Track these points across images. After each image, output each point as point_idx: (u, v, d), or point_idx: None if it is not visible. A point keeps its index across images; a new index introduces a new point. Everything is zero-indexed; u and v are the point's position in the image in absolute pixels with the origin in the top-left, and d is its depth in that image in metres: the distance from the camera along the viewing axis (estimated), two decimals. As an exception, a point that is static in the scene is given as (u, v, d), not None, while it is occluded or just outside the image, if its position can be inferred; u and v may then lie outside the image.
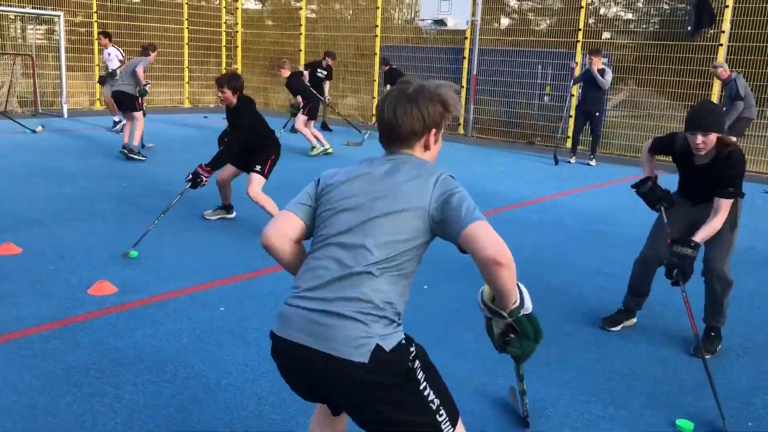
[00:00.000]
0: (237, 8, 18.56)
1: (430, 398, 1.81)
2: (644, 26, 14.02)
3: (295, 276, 1.98)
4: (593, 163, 10.98)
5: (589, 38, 12.84)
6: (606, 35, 13.59)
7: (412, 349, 1.84)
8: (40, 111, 14.05)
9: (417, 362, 1.83)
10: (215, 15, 18.66)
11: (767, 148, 11.17)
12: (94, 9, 15.73)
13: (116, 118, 12.10)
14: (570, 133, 12.98)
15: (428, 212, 1.84)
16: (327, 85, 13.34)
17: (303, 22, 16.98)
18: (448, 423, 1.83)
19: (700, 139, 3.50)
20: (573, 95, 13.03)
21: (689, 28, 11.18)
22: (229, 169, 6.13)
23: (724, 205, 3.59)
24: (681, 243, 3.54)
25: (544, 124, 13.68)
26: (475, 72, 13.83)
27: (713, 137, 3.51)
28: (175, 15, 17.54)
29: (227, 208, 6.47)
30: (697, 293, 3.92)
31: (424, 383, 1.82)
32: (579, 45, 12.82)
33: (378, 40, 15.55)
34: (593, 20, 13.35)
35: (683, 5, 12.41)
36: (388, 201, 1.86)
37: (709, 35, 11.48)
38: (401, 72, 12.88)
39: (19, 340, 3.57)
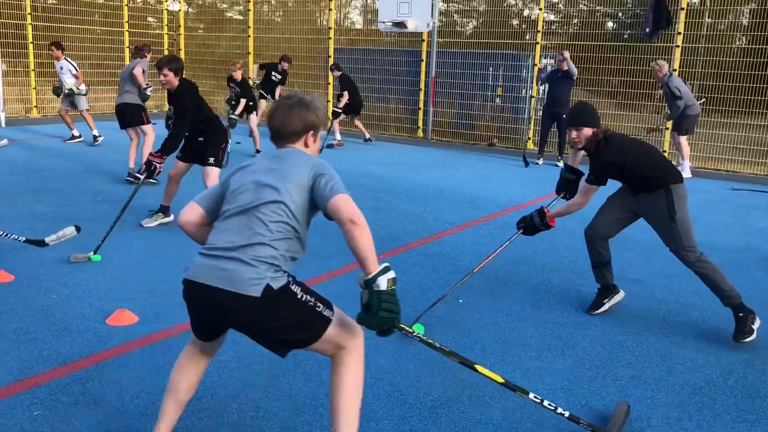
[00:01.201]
0: (179, 10, 17.89)
1: (305, 299, 2.35)
2: (598, 29, 14.33)
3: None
4: (561, 164, 11.08)
5: (548, 40, 12.97)
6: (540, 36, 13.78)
7: (290, 279, 2.35)
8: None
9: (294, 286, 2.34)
10: (156, 17, 17.95)
11: (727, 146, 11.55)
12: (28, 10, 14.79)
13: (75, 132, 11.38)
14: (531, 134, 13.16)
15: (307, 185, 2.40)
16: (279, 89, 12.97)
17: (251, 24, 16.51)
18: (326, 309, 2.39)
19: (574, 133, 4.05)
20: (533, 96, 13.18)
21: (647, 29, 11.45)
22: (180, 164, 5.98)
23: (583, 187, 4.19)
24: (539, 212, 4.33)
25: (501, 126, 13.76)
26: (433, 75, 13.76)
27: (586, 131, 4.00)
28: (116, 18, 16.74)
29: (165, 210, 6.12)
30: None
31: (300, 293, 2.34)
32: (538, 47, 12.94)
33: (331, 42, 15.27)
34: (553, 18, 13.48)
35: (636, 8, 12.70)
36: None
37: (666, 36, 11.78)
38: (350, 79, 12.64)
39: (51, 385, 3.18)
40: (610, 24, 14.71)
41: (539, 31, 12.91)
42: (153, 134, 8.30)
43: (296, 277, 2.42)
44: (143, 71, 8.45)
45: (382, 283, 2.19)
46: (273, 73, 12.89)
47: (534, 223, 4.33)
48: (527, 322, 4.20)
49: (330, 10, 15.30)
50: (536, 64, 13.01)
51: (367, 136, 12.67)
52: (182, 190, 6.13)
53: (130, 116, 8.30)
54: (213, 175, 5.81)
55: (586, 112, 4.07)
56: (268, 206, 2.33)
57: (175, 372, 2.62)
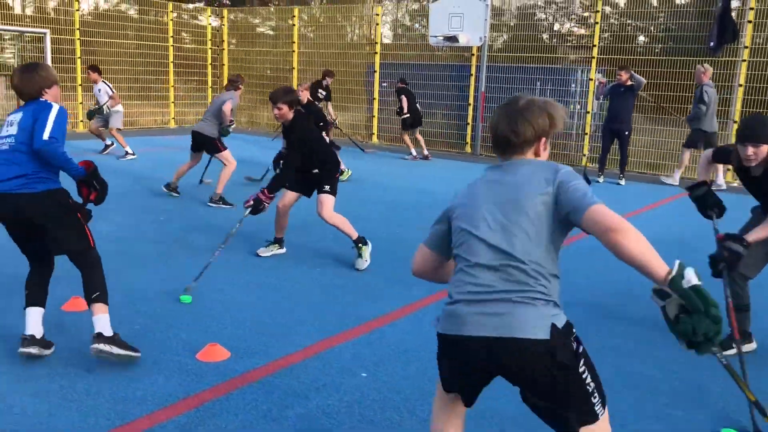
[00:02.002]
0: (224, 25, 17.87)
1: (587, 379, 1.97)
2: (661, 43, 13.95)
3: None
4: (623, 182, 10.69)
5: (606, 54, 12.60)
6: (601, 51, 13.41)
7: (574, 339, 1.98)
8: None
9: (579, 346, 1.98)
10: (200, 32, 17.94)
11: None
12: (77, 25, 14.85)
13: (108, 141, 11.58)
14: (586, 150, 12.79)
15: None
16: (329, 106, 12.78)
17: (296, 39, 16.39)
18: (599, 403, 1.99)
19: (750, 150, 3.51)
20: (588, 112, 12.82)
21: (711, 43, 11.04)
22: (290, 195, 5.68)
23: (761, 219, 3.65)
24: (733, 239, 3.59)
25: (554, 142, 13.38)
26: (483, 89, 13.47)
27: (765, 149, 3.49)
28: (160, 32, 16.76)
29: (279, 242, 5.92)
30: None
31: (583, 366, 1.96)
32: (594, 61, 12.59)
33: (378, 57, 15.07)
34: (608, 35, 13.12)
35: (697, 21, 12.29)
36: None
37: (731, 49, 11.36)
38: (410, 90, 12.40)
39: (156, 430, 2.92)
40: (641, 38, 14.34)
41: (595, 45, 12.56)
42: (234, 163, 7.98)
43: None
44: (232, 109, 8.06)
45: (691, 276, 1.77)
46: (318, 90, 12.72)
47: (738, 252, 3.56)
48: (649, 364, 3.85)
49: (377, 24, 15.12)
50: (591, 78, 12.65)
51: (414, 152, 12.34)
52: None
53: (206, 146, 8.01)
54: (328, 203, 5.45)
55: (767, 125, 3.54)
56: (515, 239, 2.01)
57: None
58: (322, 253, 5.90)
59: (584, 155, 12.89)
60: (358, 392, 3.35)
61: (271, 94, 5.39)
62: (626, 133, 10.50)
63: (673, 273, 1.78)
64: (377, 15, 15.44)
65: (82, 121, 15.14)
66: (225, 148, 8.04)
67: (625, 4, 13.92)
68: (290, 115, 5.38)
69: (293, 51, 16.43)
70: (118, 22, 16.09)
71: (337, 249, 5.98)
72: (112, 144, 11.64)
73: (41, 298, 3.67)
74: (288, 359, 3.72)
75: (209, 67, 17.80)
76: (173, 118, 17.05)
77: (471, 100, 13.92)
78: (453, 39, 12.51)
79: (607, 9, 14.86)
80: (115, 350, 3.45)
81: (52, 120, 3.41)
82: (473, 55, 13.84)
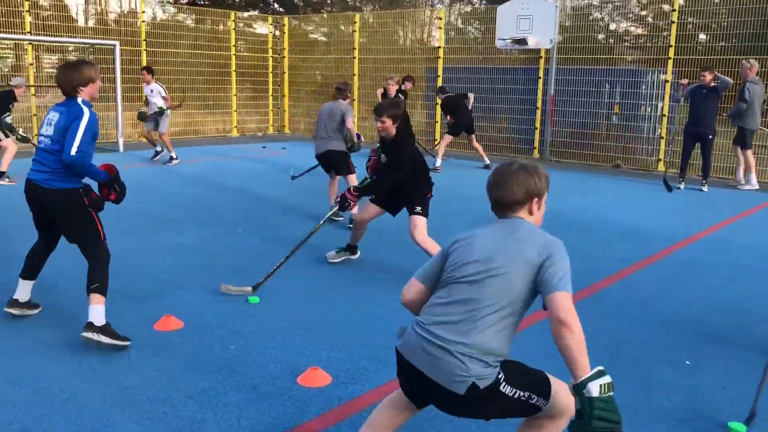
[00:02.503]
0: (284, 33, 17.91)
1: (518, 396, 2.27)
2: (724, 41, 13.31)
3: None
4: (706, 188, 10.16)
5: (682, 55, 12.05)
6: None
7: (500, 375, 2.25)
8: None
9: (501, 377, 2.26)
10: (257, 40, 18.03)
11: None
12: (143, 36, 15.07)
13: (158, 148, 11.89)
14: (662, 155, 12.27)
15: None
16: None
17: (356, 45, 16.29)
18: (540, 399, 2.30)
19: None
20: (664, 115, 12.30)
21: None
22: (373, 209, 5.49)
23: None
24: None
25: (622, 146, 12.93)
26: (552, 92, 13.08)
27: None
28: (218, 41, 16.90)
29: (352, 249, 5.79)
30: None
31: (511, 389, 2.26)
32: (670, 62, 12.06)
33: (440, 62, 14.84)
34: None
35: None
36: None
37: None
38: (459, 94, 12.04)
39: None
40: (702, 36, 13.69)
41: (671, 45, 12.03)
42: (354, 179, 7.27)
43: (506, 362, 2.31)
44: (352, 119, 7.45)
45: (593, 388, 2.03)
46: (398, 95, 12.55)
47: None
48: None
49: (440, 29, 14.89)
50: (667, 80, 12.13)
51: (487, 161, 11.95)
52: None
53: (338, 164, 7.28)
54: (421, 225, 5.23)
55: None
56: (491, 284, 2.28)
57: (377, 410, 2.68)
58: (408, 271, 5.67)
59: (660, 159, 12.36)
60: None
61: (377, 106, 5.19)
62: (710, 137, 9.98)
63: (579, 380, 2.05)
64: (439, 19, 15.20)
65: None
66: (354, 171, 7.36)
67: (684, 1, 13.32)
68: (393, 130, 5.15)
69: (353, 57, 16.32)
70: (177, 32, 16.29)
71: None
72: (163, 150, 11.86)
73: (35, 273, 4.25)
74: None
75: (270, 75, 17.86)
76: (235, 127, 17.15)
77: (539, 104, 13.53)
78: (522, 42, 12.17)
79: (666, 7, 14.33)
80: (103, 339, 3.75)
81: (81, 132, 3.79)
82: (540, 57, 13.47)
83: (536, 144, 13.74)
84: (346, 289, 5.04)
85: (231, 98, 16.88)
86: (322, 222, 5.45)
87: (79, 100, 3.91)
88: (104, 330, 3.77)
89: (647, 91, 12.85)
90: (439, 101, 13.04)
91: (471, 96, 11.87)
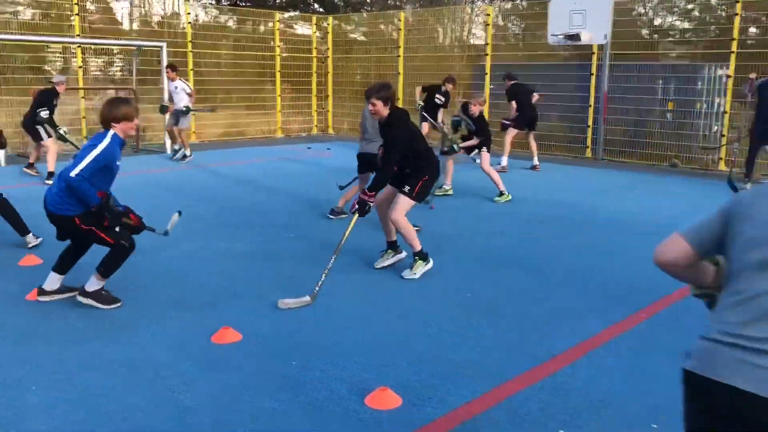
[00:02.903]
0: (329, 33, 17.77)
1: None
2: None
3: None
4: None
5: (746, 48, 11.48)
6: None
7: None
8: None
9: None
10: (299, 40, 17.92)
11: None
12: (189, 38, 15.08)
13: (176, 146, 12.03)
14: (723, 154, 11.74)
15: None
16: (441, 112, 12.29)
17: (401, 44, 16.04)
18: None
19: None
20: (726, 112, 11.76)
21: None
22: (386, 194, 5.36)
23: None
24: None
25: (678, 144, 12.40)
26: (606, 89, 12.62)
27: None
28: (261, 42, 16.84)
29: (393, 246, 5.54)
30: None
31: None
32: (733, 56, 11.52)
33: (489, 59, 14.49)
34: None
35: None
36: None
37: None
38: (525, 86, 11.59)
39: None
40: (752, 30, 13.01)
41: (734, 39, 11.48)
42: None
43: None
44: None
45: None
46: (437, 95, 12.26)
47: None
48: None
49: (487, 25, 14.54)
50: (729, 75, 11.59)
51: (536, 162, 11.53)
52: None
53: (374, 166, 6.91)
54: (402, 205, 5.11)
55: None
56: None
57: None
58: (467, 273, 5.41)
59: (721, 158, 11.83)
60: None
61: (367, 90, 5.10)
62: (780, 134, 9.46)
63: None
64: (488, 15, 14.86)
65: (194, 132, 15.37)
66: None
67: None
68: (385, 111, 5.05)
69: (398, 56, 16.08)
70: (220, 32, 16.25)
71: (483, 271, 5.49)
72: (180, 149, 11.84)
73: (66, 268, 4.58)
74: (468, 408, 3.25)
75: (314, 75, 17.74)
76: (280, 128, 17.07)
77: (591, 101, 13.09)
78: (575, 37, 11.76)
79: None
80: (91, 303, 4.42)
81: (91, 158, 4.13)
82: (593, 53, 13.02)
83: (588, 143, 13.30)
84: (406, 299, 4.80)
85: (275, 99, 16.80)
86: (348, 230, 5.11)
87: (110, 132, 4.26)
88: (92, 294, 4.40)
89: (704, 87, 12.32)
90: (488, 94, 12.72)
91: (535, 95, 11.47)
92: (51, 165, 9.12)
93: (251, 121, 16.80)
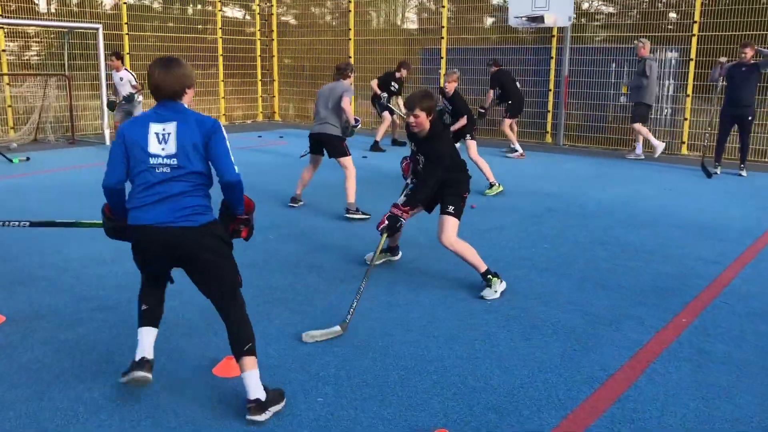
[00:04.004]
0: (272, 14, 16.91)
1: None
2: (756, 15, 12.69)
3: None
4: (745, 173, 9.58)
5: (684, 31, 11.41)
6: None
7: None
8: (76, 139, 12.27)
9: None
10: (247, 24, 17.00)
11: None
12: (124, 20, 13.98)
13: None
14: (685, 137, 11.70)
15: None
16: (399, 99, 11.79)
17: (351, 26, 15.40)
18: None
19: None
20: (688, 95, 11.70)
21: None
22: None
23: None
24: None
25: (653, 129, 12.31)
26: (566, 73, 12.38)
27: None
28: (203, 24, 15.88)
29: (394, 251, 5.27)
30: None
31: None
32: (694, 39, 11.44)
33: (444, 42, 14.04)
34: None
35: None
36: None
37: None
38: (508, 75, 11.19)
39: None
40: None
41: (696, 22, 11.40)
42: (354, 168, 6.88)
43: None
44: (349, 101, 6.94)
45: None
46: (392, 83, 11.76)
47: None
48: None
49: (443, 6, 14.05)
50: (692, 59, 11.52)
51: (517, 147, 11.12)
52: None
53: (331, 148, 6.88)
54: (450, 227, 4.58)
55: None
56: None
57: None
58: (471, 276, 4.93)
59: (683, 142, 11.79)
60: None
61: (407, 98, 4.52)
62: (749, 118, 9.40)
63: None
64: (442, -4, 14.38)
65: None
66: (349, 153, 6.90)
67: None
68: (428, 124, 4.50)
69: (349, 39, 15.43)
70: (148, 14, 15.12)
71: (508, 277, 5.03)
72: None
73: (160, 315, 3.23)
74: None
75: (258, 60, 16.88)
76: (224, 115, 16.17)
77: (551, 86, 12.84)
78: (538, 19, 11.43)
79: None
80: (273, 409, 2.96)
81: (228, 144, 2.96)
82: (553, 36, 12.75)
83: (548, 128, 13.06)
84: (437, 315, 4.28)
85: (218, 84, 15.88)
86: (377, 252, 4.62)
87: (186, 106, 3.02)
88: (271, 401, 2.96)
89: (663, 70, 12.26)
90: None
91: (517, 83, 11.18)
92: None
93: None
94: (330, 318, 4.05)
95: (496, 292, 4.50)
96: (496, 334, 3.88)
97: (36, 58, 14.51)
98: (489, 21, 14.54)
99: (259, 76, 16.93)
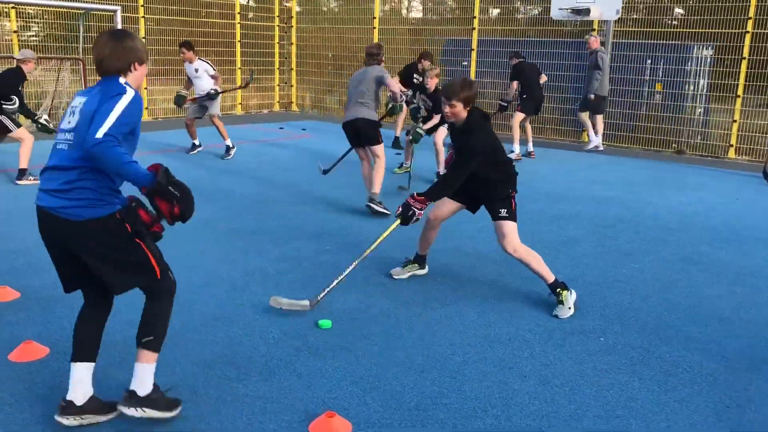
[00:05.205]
0: (291, 3, 16.24)
1: None
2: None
3: None
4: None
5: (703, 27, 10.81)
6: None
7: None
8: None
9: None
10: (267, 8, 16.31)
11: None
12: (141, 2, 13.29)
13: (196, 142, 9.74)
14: (733, 140, 11.13)
15: None
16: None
17: (377, 14, 14.74)
18: None
19: None
20: (739, 96, 11.11)
21: None
22: (450, 205, 4.51)
23: None
24: None
25: (687, 129, 11.76)
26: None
27: None
28: (226, 9, 15.19)
29: (421, 261, 4.78)
30: None
31: None
32: (748, 36, 10.84)
33: (475, 33, 13.40)
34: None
35: None
36: None
37: None
38: (529, 68, 10.58)
39: None
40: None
41: (750, 18, 10.79)
42: (384, 158, 6.54)
43: None
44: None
45: None
46: (414, 75, 11.11)
47: None
48: None
49: (476, -5, 13.38)
50: (745, 57, 10.92)
51: (515, 147, 10.50)
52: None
53: (366, 134, 6.46)
54: (510, 232, 4.21)
55: None
56: None
57: None
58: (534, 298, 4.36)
59: (731, 146, 11.22)
60: None
61: (444, 87, 4.24)
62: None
63: None
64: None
65: (147, 108, 13.68)
66: (382, 141, 6.56)
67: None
68: (464, 114, 4.22)
69: (373, 27, 14.78)
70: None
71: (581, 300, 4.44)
72: (201, 146, 9.82)
73: (93, 351, 2.79)
74: None
75: (276, 46, 16.21)
76: (239, 104, 15.53)
77: (589, 82, 12.20)
78: (583, 12, 10.80)
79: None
80: (150, 413, 2.71)
81: (118, 112, 2.48)
82: (593, 30, 12.12)
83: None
84: (550, 356, 3.70)
85: (236, 72, 15.21)
86: (380, 239, 4.30)
87: (122, 80, 2.66)
88: (150, 403, 2.71)
89: (692, 68, 11.70)
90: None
91: (543, 76, 10.52)
92: (24, 161, 7.38)
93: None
94: (420, 354, 3.47)
95: (570, 309, 4.13)
96: (628, 384, 3.30)
97: (35, 38, 13.77)
98: (534, 12, 13.92)
99: (277, 65, 16.28)
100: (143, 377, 2.70)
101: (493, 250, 5.35)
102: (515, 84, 10.32)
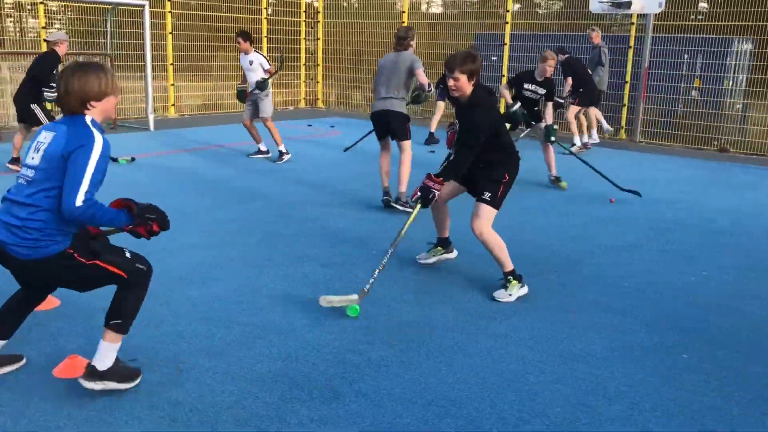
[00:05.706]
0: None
1: None
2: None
3: None
4: None
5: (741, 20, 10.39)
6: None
7: None
8: (117, 123, 11.48)
9: None
10: (292, 2, 16.08)
11: None
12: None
13: (262, 147, 9.06)
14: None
15: None
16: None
17: (406, 8, 14.46)
18: None
19: None
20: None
21: None
22: (448, 186, 4.38)
23: None
24: None
25: (727, 126, 11.38)
26: (646, 65, 11.41)
27: None
28: (253, 3, 14.98)
29: (444, 243, 4.78)
30: None
31: None
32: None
33: (508, 27, 13.08)
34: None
35: None
36: None
37: None
38: (579, 63, 10.32)
39: None
40: None
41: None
42: (411, 153, 6.37)
43: None
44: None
45: None
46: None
47: None
48: None
49: (508, -13, 13.06)
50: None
51: (576, 140, 10.29)
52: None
53: (397, 127, 6.26)
54: (484, 215, 4.16)
55: None
56: None
57: None
58: (633, 310, 4.07)
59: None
60: None
61: (448, 59, 4.10)
62: None
63: None
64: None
65: (173, 104, 13.51)
66: (410, 136, 6.37)
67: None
68: (469, 88, 4.09)
69: (402, 23, 14.49)
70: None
71: (634, 308, 4.16)
72: (268, 152, 9.10)
73: (13, 329, 3.02)
74: None
75: (302, 42, 15.98)
76: (266, 100, 15.31)
77: (628, 78, 11.87)
78: (624, 5, 10.46)
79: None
80: (111, 386, 2.83)
81: (90, 170, 2.57)
82: (632, 24, 11.77)
83: (623, 123, 12.10)
84: (632, 375, 3.42)
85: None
86: (408, 221, 4.30)
87: (87, 119, 2.70)
88: (111, 375, 2.83)
89: (732, 62, 11.30)
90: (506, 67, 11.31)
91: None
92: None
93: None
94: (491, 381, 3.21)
95: (510, 295, 4.16)
96: (725, 409, 3.01)
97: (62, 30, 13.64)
98: (557, 6, 13.58)
99: (303, 60, 16.04)
100: (105, 355, 2.81)
101: (554, 255, 5.10)
102: (570, 80, 10.08)
